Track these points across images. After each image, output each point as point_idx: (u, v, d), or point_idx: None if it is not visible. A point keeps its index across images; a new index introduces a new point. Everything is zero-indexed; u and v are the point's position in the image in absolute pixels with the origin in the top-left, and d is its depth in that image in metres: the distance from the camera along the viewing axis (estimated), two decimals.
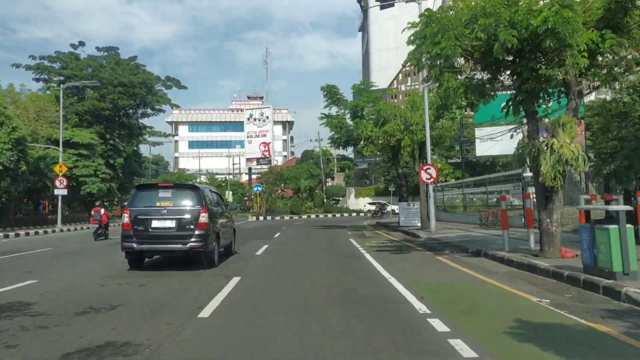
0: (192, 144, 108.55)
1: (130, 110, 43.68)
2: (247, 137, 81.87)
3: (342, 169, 72.87)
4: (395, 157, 25.77)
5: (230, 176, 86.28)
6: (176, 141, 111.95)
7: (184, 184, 12.68)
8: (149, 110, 44.89)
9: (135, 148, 46.79)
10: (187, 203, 10.57)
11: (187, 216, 10.35)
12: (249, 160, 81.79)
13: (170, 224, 10.26)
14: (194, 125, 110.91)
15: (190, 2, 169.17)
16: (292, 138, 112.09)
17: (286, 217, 45.17)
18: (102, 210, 21.26)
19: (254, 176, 70.95)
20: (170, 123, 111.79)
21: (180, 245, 10.24)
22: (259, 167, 75.67)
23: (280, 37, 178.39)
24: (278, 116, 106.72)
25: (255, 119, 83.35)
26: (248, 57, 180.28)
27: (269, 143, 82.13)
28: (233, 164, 79.85)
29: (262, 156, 79.83)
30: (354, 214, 52.26)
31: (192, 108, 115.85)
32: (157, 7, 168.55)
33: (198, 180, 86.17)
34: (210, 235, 10.54)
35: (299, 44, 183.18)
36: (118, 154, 42.08)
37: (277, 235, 22.78)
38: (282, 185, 55.60)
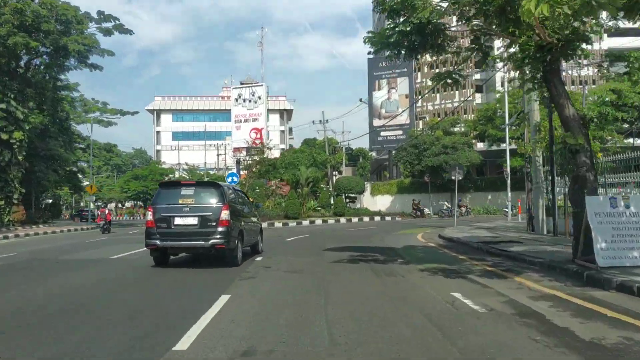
0: (177, 136, 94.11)
1: (36, 61, 28.56)
2: (235, 121, 66.52)
3: (352, 159, 58.05)
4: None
5: (217, 171, 71.91)
6: (158, 132, 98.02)
7: (206, 181, 14.19)
8: (72, 62, 29.73)
9: (56, 119, 31.66)
10: (209, 200, 10.65)
11: (209, 213, 10.44)
12: (236, 150, 66.15)
13: (193, 221, 10.39)
14: (179, 115, 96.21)
15: (190, 2, 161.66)
16: (290, 130, 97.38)
17: (278, 224, 30.47)
18: (107, 211, 29.15)
19: (244, 171, 56.13)
20: (152, 112, 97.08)
21: (202, 242, 10.35)
22: (250, 158, 60.49)
23: (280, 37, 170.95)
24: (275, 104, 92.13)
25: (245, 100, 68.01)
26: (248, 58, 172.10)
27: (262, 129, 66.63)
28: (218, 156, 64.84)
29: (253, 144, 64.55)
30: (377, 218, 37.42)
31: (177, 95, 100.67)
32: (157, 7, 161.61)
33: (178, 175, 71.99)
34: (232, 232, 10.53)
35: (299, 44, 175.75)
36: (16, 124, 26.93)
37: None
38: (277, 179, 40.53)
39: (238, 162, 54.87)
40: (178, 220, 10.53)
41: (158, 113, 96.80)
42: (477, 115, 42.45)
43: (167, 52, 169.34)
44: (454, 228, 21.63)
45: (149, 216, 10.77)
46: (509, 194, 28.65)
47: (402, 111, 49.67)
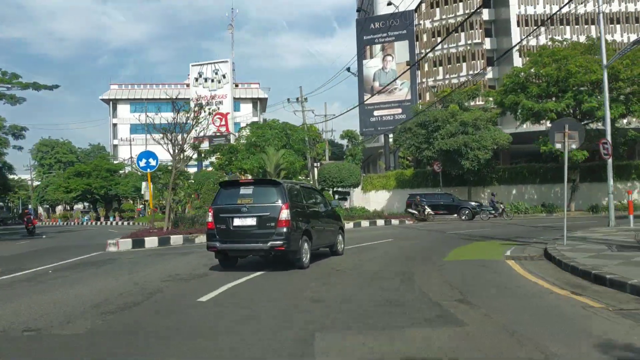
0: (135, 128, 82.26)
1: None
2: (195, 105, 54.98)
3: (337, 156, 47.41)
4: None
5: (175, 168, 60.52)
6: (115, 124, 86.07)
7: (264, 179, 13.09)
8: None
9: None
10: (268, 199, 9.98)
11: (268, 213, 9.78)
12: (196, 139, 55.10)
13: (251, 221, 9.82)
14: (138, 105, 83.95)
15: (165, 1, 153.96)
16: (265, 121, 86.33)
17: None
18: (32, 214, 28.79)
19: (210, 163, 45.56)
20: (107, 101, 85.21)
21: (261, 244, 9.73)
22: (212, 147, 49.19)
23: (257, 35, 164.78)
24: (247, 92, 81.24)
25: (206, 80, 56.75)
26: (225, 56, 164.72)
27: (227, 114, 55.54)
28: (174, 148, 53.24)
29: (217, 132, 53.41)
30: (380, 222, 26.74)
31: (135, 82, 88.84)
32: (132, 7, 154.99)
33: (128, 170, 60.68)
34: (294, 233, 9.80)
35: (275, 43, 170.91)
36: None
37: None
38: (238, 170, 29.64)
39: (199, 153, 43.64)
40: (237, 222, 9.87)
41: (114, 103, 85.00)
42: (506, 81, 32.13)
43: (142, 52, 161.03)
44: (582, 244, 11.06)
45: (209, 217, 10.18)
46: (610, 184, 18.13)
47: (402, 83, 39.12)
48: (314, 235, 10.68)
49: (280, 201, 9.78)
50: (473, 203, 31.00)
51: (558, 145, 11.29)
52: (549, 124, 37.56)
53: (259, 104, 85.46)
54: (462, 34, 47.58)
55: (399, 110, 39.33)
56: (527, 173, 36.49)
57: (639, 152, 38.25)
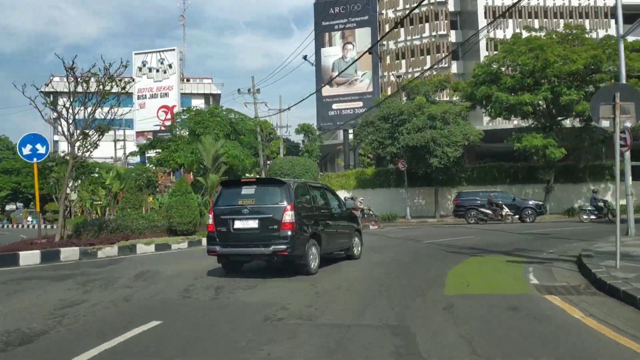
0: (78, 123, 76.12)
1: None
2: (138, 97, 50.64)
3: (290, 149, 43.74)
4: None
5: (117, 162, 55.57)
6: (55, 119, 79.82)
7: (267, 178, 12.31)
8: None
9: None
10: (271, 200, 9.37)
11: (270, 215, 9.15)
12: (140, 134, 50.66)
13: (253, 224, 9.18)
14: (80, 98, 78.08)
15: None
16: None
17: (146, 248, 14.36)
18: None
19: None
20: (47, 94, 78.87)
21: (263, 248, 9.07)
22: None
23: (214, 35, 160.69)
24: (199, 87, 76.71)
25: (151, 70, 52.16)
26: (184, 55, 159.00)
27: (174, 107, 50.96)
28: (115, 147, 48.74)
29: (162, 127, 48.86)
30: None
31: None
32: (85, 2, 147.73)
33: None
34: (299, 236, 9.14)
35: (233, 44, 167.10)
36: None
37: None
38: (176, 164, 25.60)
39: (142, 150, 38.93)
40: (238, 224, 9.26)
41: (55, 96, 78.70)
42: (477, 71, 29.21)
43: (96, 48, 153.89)
44: None
45: (209, 219, 9.61)
46: (629, 184, 15.05)
47: (363, 74, 35.83)
48: (324, 238, 10.05)
49: (284, 202, 9.17)
50: (531, 202, 27.92)
51: (605, 123, 7.83)
52: (519, 122, 35.13)
53: (212, 99, 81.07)
54: (427, 25, 44.78)
55: (360, 104, 36.03)
56: (497, 173, 33.76)
57: (607, 153, 35.97)
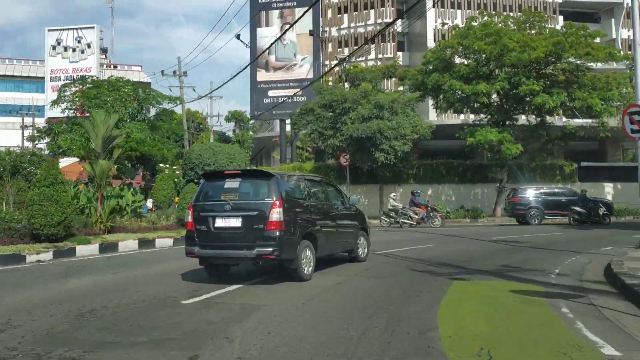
0: None
1: None
2: (52, 79, 44.85)
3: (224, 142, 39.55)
4: None
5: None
6: None
7: (253, 170, 10.71)
8: None
9: None
10: (256, 195, 8.33)
11: (254, 212, 8.00)
12: (53, 120, 44.75)
13: (235, 222, 8.01)
14: None
15: None
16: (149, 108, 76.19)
17: None
18: None
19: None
20: None
21: (246, 251, 7.91)
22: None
23: (151, 27, 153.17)
24: (127, 75, 70.68)
25: (67, 49, 46.50)
26: (117, 46, 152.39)
27: None
28: (22, 134, 43.06)
29: (78, 114, 43.33)
30: None
31: None
32: None
33: None
34: (289, 237, 7.97)
35: (172, 37, 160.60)
36: None
37: None
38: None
39: (54, 138, 33.57)
40: (219, 222, 8.14)
41: None
42: (429, 57, 26.38)
43: (23, 35, 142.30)
44: None
45: (188, 216, 8.45)
46: None
47: (303, 59, 32.38)
48: (322, 239, 8.90)
49: (271, 197, 7.99)
50: (604, 201, 25.16)
51: None
52: (468, 117, 32.77)
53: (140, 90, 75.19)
54: (372, 12, 41.91)
55: (299, 91, 32.54)
56: (445, 171, 31.19)
57: (563, 151, 34.25)
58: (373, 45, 42.05)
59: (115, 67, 68.18)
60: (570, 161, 32.76)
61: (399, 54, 42.67)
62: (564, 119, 28.13)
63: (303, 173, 11.53)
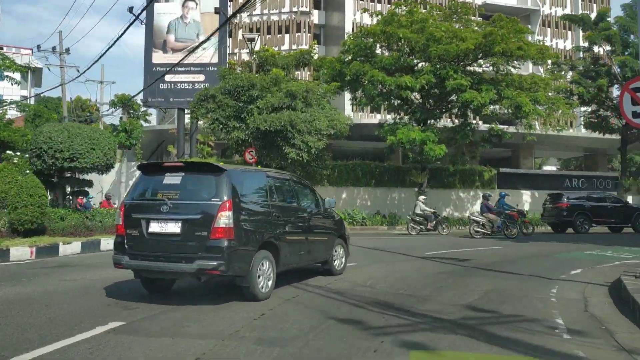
0: None
1: None
2: None
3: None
4: None
5: None
6: None
7: (199, 163, 8.50)
8: None
9: None
10: (201, 194, 6.83)
11: (197, 216, 6.61)
12: None
13: (174, 227, 6.62)
14: None
15: None
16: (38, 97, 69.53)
17: None
18: None
19: None
20: None
21: (184, 264, 6.51)
22: None
23: (56, 15, 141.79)
24: (15, 58, 62.70)
25: None
26: (16, 32, 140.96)
27: None
28: None
29: None
30: None
31: None
32: None
33: None
34: (240, 248, 6.62)
35: (77, 27, 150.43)
36: None
37: None
38: None
39: None
40: (154, 227, 6.71)
41: None
42: (349, 43, 23.53)
43: None
44: None
45: (118, 218, 7.10)
46: None
47: (208, 38, 28.45)
48: (286, 249, 7.51)
49: (219, 197, 6.55)
50: None
51: None
52: (389, 117, 30.37)
53: (31, 75, 68.60)
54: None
55: (202, 77, 28.55)
56: (361, 173, 28.56)
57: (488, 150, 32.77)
58: (287, 35, 39.01)
59: (1, 48, 60.40)
60: (489, 167, 31.35)
61: (315, 47, 39.82)
62: (486, 126, 26.26)
63: (264, 168, 9.61)
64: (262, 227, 7.15)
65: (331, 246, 9.04)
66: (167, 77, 29.29)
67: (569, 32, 43.32)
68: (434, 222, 21.33)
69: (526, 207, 30.91)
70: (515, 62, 23.63)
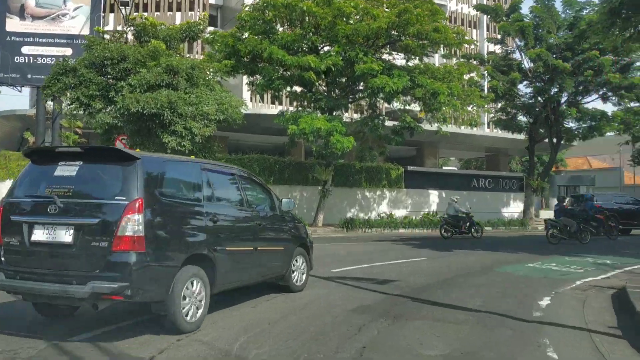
0: None
1: None
2: None
3: None
4: None
5: None
6: None
7: (103, 148, 6.45)
8: None
9: None
10: (102, 190, 5.31)
11: (95, 220, 5.08)
12: None
13: (64, 235, 5.11)
14: None
15: None
16: None
17: None
18: None
19: None
20: None
21: (74, 286, 4.95)
22: None
23: None
24: None
25: None
26: None
27: None
28: None
29: None
30: None
31: None
32: None
33: None
34: (153, 264, 5.11)
35: None
36: None
37: None
38: None
39: None
40: (38, 234, 5.18)
41: None
42: (245, 16, 20.15)
43: None
44: None
45: None
46: None
47: (77, 8, 23.89)
48: (225, 263, 6.01)
49: (127, 195, 5.06)
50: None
51: None
52: (290, 108, 27.35)
53: None
54: None
55: (69, 51, 23.81)
56: (259, 169, 25.22)
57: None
58: (179, 14, 34.92)
59: None
60: (397, 164, 29.31)
61: (210, 28, 35.98)
62: (394, 123, 24.01)
63: (195, 158, 7.73)
64: (190, 235, 5.69)
65: (289, 257, 7.64)
66: (25, 49, 24.34)
67: (474, 31, 42.79)
68: (468, 224, 19.76)
69: (433, 208, 29.32)
70: (429, 49, 21.55)
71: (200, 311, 5.65)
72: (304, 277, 8.02)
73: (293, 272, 7.74)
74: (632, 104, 27.49)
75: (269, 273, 7.32)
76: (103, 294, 4.92)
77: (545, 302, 7.14)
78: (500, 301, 7.21)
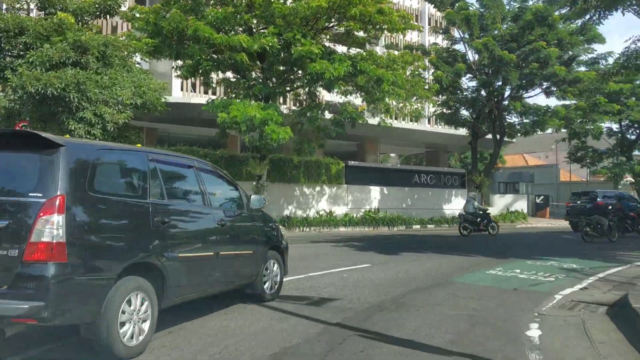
0: None
1: None
2: None
3: None
4: None
5: None
6: None
7: (16, 132, 5.93)
8: None
9: None
10: (13, 184, 4.47)
11: (2, 223, 4.20)
12: None
13: None
14: None
15: None
16: None
17: None
18: None
19: None
20: None
21: None
22: None
23: None
24: None
25: None
26: None
27: None
28: None
29: None
30: None
31: None
32: None
33: None
34: (75, 278, 4.19)
35: None
36: None
37: None
38: None
39: None
40: None
41: None
42: None
43: None
44: None
45: None
46: None
47: None
48: (178, 272, 5.20)
49: (44, 191, 4.21)
50: None
51: None
52: (222, 97, 25.24)
53: None
54: None
55: None
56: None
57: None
58: None
59: None
60: (337, 159, 27.81)
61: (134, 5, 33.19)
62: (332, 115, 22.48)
63: (151, 149, 6.21)
64: (130, 239, 4.74)
65: (259, 262, 6.84)
66: None
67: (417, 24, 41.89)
68: (485, 221, 19.78)
69: (374, 205, 28.07)
70: (372, 35, 20.13)
71: (143, 334, 4.74)
72: (277, 283, 7.27)
73: (264, 278, 6.96)
74: (573, 100, 27.26)
75: (235, 281, 6.53)
76: (13, 316, 4.03)
77: (534, 332, 5.52)
78: (476, 333, 5.58)
